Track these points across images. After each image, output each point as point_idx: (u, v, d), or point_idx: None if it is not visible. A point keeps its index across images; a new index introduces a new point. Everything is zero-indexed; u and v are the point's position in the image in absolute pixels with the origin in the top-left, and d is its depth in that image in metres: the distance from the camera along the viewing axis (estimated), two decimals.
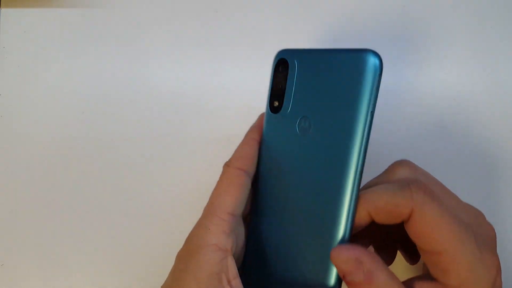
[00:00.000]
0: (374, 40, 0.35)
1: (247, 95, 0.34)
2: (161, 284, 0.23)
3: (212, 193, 0.24)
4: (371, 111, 0.21)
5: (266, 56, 0.35)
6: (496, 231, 0.23)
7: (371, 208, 0.21)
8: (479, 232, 0.21)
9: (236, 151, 0.25)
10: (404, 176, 0.23)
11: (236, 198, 0.23)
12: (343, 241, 0.21)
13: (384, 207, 0.21)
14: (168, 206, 0.33)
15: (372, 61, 0.20)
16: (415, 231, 0.21)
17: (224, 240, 0.22)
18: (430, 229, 0.20)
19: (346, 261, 0.21)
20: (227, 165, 0.24)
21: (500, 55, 0.35)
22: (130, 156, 0.34)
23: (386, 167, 0.25)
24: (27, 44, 0.35)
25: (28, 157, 0.34)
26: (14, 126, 0.34)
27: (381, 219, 0.22)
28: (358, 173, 0.21)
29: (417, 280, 0.22)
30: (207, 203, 0.24)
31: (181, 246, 0.24)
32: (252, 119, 0.34)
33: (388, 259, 0.27)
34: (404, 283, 0.21)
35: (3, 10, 0.36)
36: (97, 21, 0.36)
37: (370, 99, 0.21)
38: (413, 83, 0.35)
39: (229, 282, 0.21)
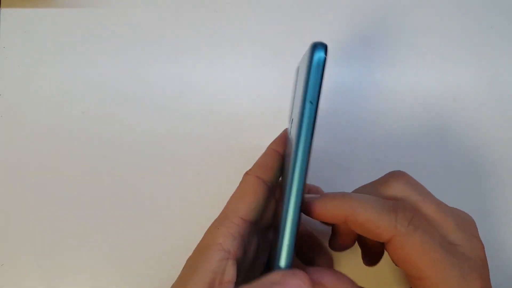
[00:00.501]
0: (374, 40, 0.35)
1: (248, 95, 0.34)
2: (165, 285, 0.23)
3: (229, 199, 0.24)
4: (310, 101, 0.20)
5: (267, 56, 0.35)
6: (494, 231, 0.23)
7: (350, 217, 0.21)
8: (468, 254, 0.21)
9: (258, 160, 0.25)
10: (396, 193, 0.22)
11: (249, 204, 0.23)
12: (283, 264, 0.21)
13: (365, 223, 0.21)
14: (169, 206, 0.33)
15: (312, 51, 0.20)
16: (394, 255, 0.21)
17: (229, 242, 0.22)
18: (411, 257, 0.20)
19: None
20: (246, 173, 0.25)
21: (500, 55, 0.35)
22: (130, 156, 0.34)
23: (384, 168, 0.25)
24: (27, 44, 0.35)
25: (28, 157, 0.34)
26: (14, 126, 0.34)
27: (357, 230, 0.21)
28: (297, 181, 0.20)
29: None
30: (223, 209, 0.24)
31: (181, 246, 0.24)
32: (253, 121, 0.34)
33: (372, 259, 0.27)
34: None
35: (3, 10, 0.36)
36: (97, 21, 0.36)
37: (306, 88, 0.20)
38: (413, 83, 0.35)
39: (220, 283, 0.21)
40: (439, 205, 0.22)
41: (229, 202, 0.24)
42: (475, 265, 0.21)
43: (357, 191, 0.24)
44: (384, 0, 0.36)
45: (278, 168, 0.25)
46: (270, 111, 0.34)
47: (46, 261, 0.32)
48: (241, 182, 0.25)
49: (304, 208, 0.22)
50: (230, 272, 0.22)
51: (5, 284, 0.32)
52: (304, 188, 0.20)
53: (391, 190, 0.23)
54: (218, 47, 0.35)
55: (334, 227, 0.25)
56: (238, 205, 0.24)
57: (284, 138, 0.26)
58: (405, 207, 0.21)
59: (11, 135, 0.34)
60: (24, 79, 0.35)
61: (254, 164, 0.25)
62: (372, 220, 0.20)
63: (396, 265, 0.22)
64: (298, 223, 0.21)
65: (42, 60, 0.35)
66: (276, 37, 0.35)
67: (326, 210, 0.22)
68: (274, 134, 0.33)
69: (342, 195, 0.22)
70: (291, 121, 0.23)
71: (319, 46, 0.19)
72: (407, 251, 0.20)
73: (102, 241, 0.32)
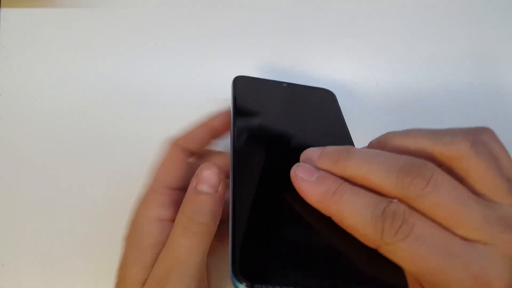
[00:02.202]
0: (374, 40, 0.35)
1: None
2: None
3: (156, 171, 0.26)
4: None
5: (268, 56, 0.35)
6: None
7: (336, 219, 0.20)
8: (488, 252, 0.18)
9: (188, 131, 0.27)
10: (391, 189, 0.19)
11: (174, 173, 0.25)
12: None
13: (349, 229, 0.19)
14: None
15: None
16: (387, 256, 0.19)
17: (163, 212, 0.24)
18: (402, 265, 0.18)
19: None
20: (170, 142, 0.26)
21: (500, 55, 0.35)
22: (131, 156, 0.34)
23: None
24: (27, 44, 0.35)
25: (28, 157, 0.34)
26: (14, 126, 0.34)
27: (345, 229, 0.20)
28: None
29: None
30: (151, 182, 0.25)
31: None
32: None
33: None
34: None
35: (3, 10, 0.36)
36: (97, 21, 0.36)
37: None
38: (412, 83, 0.35)
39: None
40: (463, 203, 0.19)
41: (155, 174, 0.25)
42: (497, 263, 0.18)
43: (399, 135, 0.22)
44: (384, 1, 0.36)
45: (206, 140, 0.27)
46: None
47: (46, 261, 0.32)
48: (166, 152, 0.26)
49: (293, 183, 0.21)
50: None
51: (5, 284, 0.32)
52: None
53: (399, 191, 0.19)
54: (218, 47, 0.35)
55: None
56: (163, 176, 0.25)
57: (224, 116, 0.27)
58: (395, 213, 0.18)
59: (11, 135, 0.34)
60: (24, 79, 0.35)
61: (185, 135, 0.26)
62: (358, 228, 0.19)
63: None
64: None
65: (42, 60, 0.35)
66: (276, 37, 0.35)
67: (311, 199, 0.20)
68: None
69: (333, 192, 0.20)
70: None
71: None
72: (397, 261, 0.18)
73: (103, 241, 0.32)
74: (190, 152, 0.26)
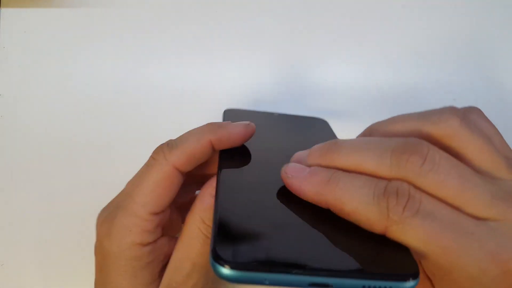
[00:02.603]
0: (374, 40, 0.35)
1: (249, 95, 0.34)
2: None
3: (135, 185, 0.22)
4: None
5: (268, 57, 0.35)
6: None
7: (335, 207, 0.18)
8: (502, 229, 0.17)
9: (182, 144, 0.22)
10: (394, 167, 0.18)
11: (163, 200, 0.21)
12: None
13: (351, 215, 0.18)
14: None
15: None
16: (396, 239, 0.17)
17: (147, 238, 0.21)
18: (414, 247, 0.17)
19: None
20: (163, 157, 0.22)
21: (500, 55, 0.35)
22: (131, 156, 0.34)
23: None
24: (27, 44, 0.35)
25: (28, 157, 0.34)
26: (14, 126, 0.34)
27: (346, 218, 0.18)
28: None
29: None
30: (126, 194, 0.22)
31: None
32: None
33: None
34: None
35: (3, 10, 0.36)
36: (97, 21, 0.36)
37: None
38: (413, 83, 0.35)
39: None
40: (467, 180, 0.17)
41: (136, 192, 0.21)
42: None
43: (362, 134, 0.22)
44: (384, 0, 0.36)
45: (204, 158, 0.22)
46: (270, 111, 0.34)
47: (46, 261, 0.32)
48: (152, 167, 0.22)
49: (285, 183, 0.20)
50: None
51: (5, 284, 0.32)
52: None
53: (396, 171, 0.18)
54: (218, 47, 0.35)
55: None
56: (149, 200, 0.21)
57: (227, 133, 0.23)
58: (399, 190, 0.17)
59: (11, 135, 0.34)
60: (24, 79, 0.35)
61: (177, 148, 0.22)
62: (360, 211, 0.17)
63: None
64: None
65: (42, 60, 0.35)
66: (276, 37, 0.35)
67: (306, 193, 0.19)
68: None
69: (327, 180, 0.18)
70: None
71: None
72: (408, 242, 0.17)
73: None
74: (183, 172, 0.22)
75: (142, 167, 0.23)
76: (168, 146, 0.22)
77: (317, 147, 0.20)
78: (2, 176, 0.33)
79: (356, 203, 0.17)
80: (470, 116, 0.20)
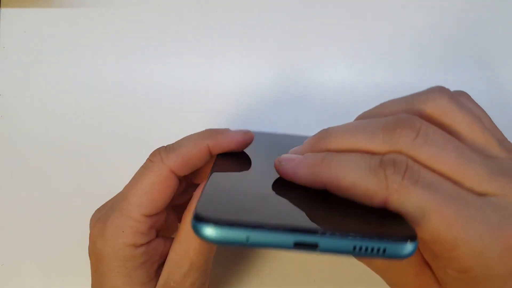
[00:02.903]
0: (374, 40, 0.35)
1: (249, 95, 0.34)
2: None
3: (131, 187, 0.22)
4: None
5: (269, 56, 0.35)
6: None
7: (331, 184, 0.17)
8: (503, 203, 0.16)
9: (179, 148, 0.22)
10: (391, 140, 0.17)
11: (157, 202, 0.21)
12: None
13: (350, 189, 0.17)
14: None
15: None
16: (396, 210, 0.16)
17: (140, 240, 0.21)
18: (415, 218, 0.16)
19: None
20: (160, 160, 0.22)
21: (500, 55, 0.35)
22: (131, 156, 0.34)
23: None
24: (27, 44, 0.35)
25: (28, 157, 0.34)
26: (14, 126, 0.34)
27: (343, 195, 0.17)
28: None
29: (421, 242, 0.18)
30: (121, 195, 0.22)
31: None
32: (253, 121, 0.34)
33: None
34: None
35: (3, 10, 0.36)
36: (97, 21, 0.36)
37: None
38: (413, 83, 0.35)
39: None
40: (462, 154, 0.17)
41: (132, 193, 0.21)
42: None
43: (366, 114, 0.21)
44: (386, 2, 0.36)
45: (200, 164, 0.22)
46: (270, 111, 0.34)
47: (46, 261, 0.32)
48: (149, 169, 0.22)
49: (279, 173, 0.19)
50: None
51: (5, 284, 0.32)
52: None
53: (391, 145, 0.17)
54: (219, 47, 0.35)
55: None
56: (143, 202, 0.21)
57: (225, 139, 0.22)
58: (396, 160, 0.17)
59: (11, 135, 0.34)
60: (24, 79, 0.35)
61: (174, 151, 0.22)
62: (358, 183, 0.16)
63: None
64: None
65: (42, 60, 0.35)
66: (276, 37, 0.35)
67: (300, 175, 0.18)
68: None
69: (322, 158, 0.18)
70: None
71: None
72: (410, 211, 0.16)
73: None
74: (181, 177, 0.22)
75: (139, 169, 0.23)
76: (165, 149, 0.22)
77: (310, 138, 0.20)
78: (2, 176, 0.33)
79: (352, 176, 0.17)
80: (458, 97, 0.19)
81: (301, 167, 0.18)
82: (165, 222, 0.24)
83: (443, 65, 0.35)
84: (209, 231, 0.15)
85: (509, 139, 0.22)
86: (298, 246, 0.14)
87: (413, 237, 0.15)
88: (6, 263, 0.32)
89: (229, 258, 0.31)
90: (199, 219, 0.15)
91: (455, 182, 0.17)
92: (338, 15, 0.35)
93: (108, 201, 0.24)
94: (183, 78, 0.35)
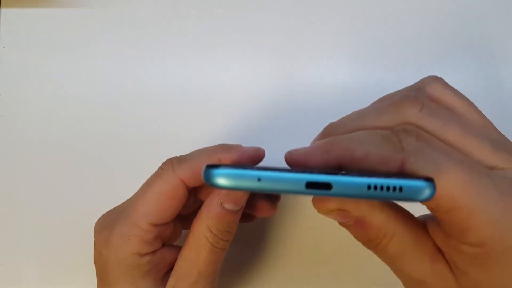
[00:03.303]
0: (374, 39, 0.35)
1: (248, 95, 0.34)
2: None
3: (140, 194, 0.22)
4: None
5: (268, 56, 0.35)
6: None
7: (345, 157, 0.17)
8: (510, 176, 0.16)
9: (191, 159, 0.22)
10: (406, 120, 0.17)
11: (166, 212, 0.21)
12: None
13: (364, 158, 0.16)
14: None
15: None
16: (414, 173, 0.16)
17: (145, 249, 0.21)
18: (436, 174, 0.15)
19: (329, 212, 0.17)
20: (171, 168, 0.22)
21: (500, 55, 0.35)
22: (131, 156, 0.34)
23: None
24: (27, 44, 0.35)
25: (28, 157, 0.34)
26: (14, 126, 0.34)
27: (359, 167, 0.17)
28: None
29: (432, 225, 0.18)
30: (130, 202, 0.22)
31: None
32: (253, 121, 0.34)
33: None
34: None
35: (3, 10, 0.36)
36: (97, 21, 0.36)
37: None
38: (413, 82, 0.34)
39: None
40: (467, 128, 0.17)
41: (139, 201, 0.21)
42: None
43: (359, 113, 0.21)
44: (385, 1, 0.36)
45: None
46: (270, 111, 0.34)
47: (46, 261, 0.32)
48: (158, 178, 0.22)
49: (290, 163, 0.19)
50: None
51: (5, 284, 0.32)
52: None
53: (398, 118, 0.18)
54: (218, 46, 0.35)
55: None
56: (152, 211, 0.21)
57: (237, 153, 0.22)
58: (406, 128, 0.17)
59: (11, 135, 0.34)
60: (24, 79, 0.35)
61: (186, 162, 0.22)
62: (372, 152, 0.16)
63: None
64: None
65: (42, 60, 0.35)
66: (275, 37, 0.35)
67: (314, 157, 0.18)
68: (274, 134, 0.33)
69: (332, 139, 0.18)
70: None
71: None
72: (426, 174, 0.15)
73: None
74: (191, 188, 0.22)
75: (150, 177, 0.23)
76: (177, 159, 0.22)
77: (317, 136, 0.20)
78: (2, 176, 0.33)
79: (366, 146, 0.16)
80: (431, 94, 0.19)
81: (313, 150, 0.18)
82: (172, 233, 0.24)
83: (443, 63, 0.35)
84: (221, 173, 0.14)
85: (509, 138, 0.22)
86: (311, 186, 0.14)
87: (430, 179, 0.14)
88: (6, 263, 0.32)
89: (229, 259, 0.31)
90: (212, 166, 0.14)
91: (463, 154, 0.17)
92: (338, 14, 0.35)
93: (115, 207, 0.24)
94: (184, 77, 0.35)
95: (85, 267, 0.32)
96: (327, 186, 0.14)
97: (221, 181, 0.14)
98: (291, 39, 0.35)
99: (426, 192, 0.13)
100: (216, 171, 0.14)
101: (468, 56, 0.35)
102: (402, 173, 0.15)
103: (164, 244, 0.23)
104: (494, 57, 0.35)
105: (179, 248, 0.23)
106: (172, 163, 0.22)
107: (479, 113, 0.19)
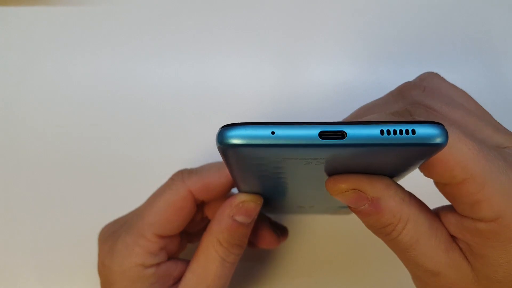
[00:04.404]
0: (375, 38, 0.35)
1: (248, 95, 0.34)
2: None
3: (148, 204, 0.22)
4: None
5: (268, 55, 0.35)
6: None
7: None
8: None
9: (202, 171, 0.22)
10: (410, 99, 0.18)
11: (172, 223, 0.21)
12: None
13: None
14: None
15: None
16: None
17: (150, 260, 0.21)
18: (445, 157, 0.15)
19: (343, 192, 0.17)
20: (181, 179, 0.21)
21: (504, 54, 0.35)
22: (130, 156, 0.33)
23: None
24: (26, 43, 0.35)
25: (28, 157, 0.33)
26: (13, 126, 0.34)
27: None
28: None
29: (444, 212, 0.17)
30: (137, 211, 0.22)
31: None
32: (253, 119, 0.34)
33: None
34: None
35: (1, 8, 0.36)
36: (97, 20, 0.36)
37: None
38: None
39: None
40: (469, 111, 0.17)
41: (147, 211, 0.21)
42: None
43: (364, 108, 0.21)
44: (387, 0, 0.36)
45: (224, 191, 0.21)
46: (270, 110, 0.34)
47: (46, 261, 0.32)
48: (168, 188, 0.21)
49: None
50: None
51: (4, 284, 0.32)
52: None
53: (404, 102, 0.18)
54: (218, 46, 0.35)
55: None
56: (159, 222, 0.21)
57: None
58: (413, 105, 0.17)
59: (11, 135, 0.34)
60: (23, 79, 0.35)
61: (196, 174, 0.21)
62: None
63: (427, 175, 0.17)
64: None
65: (41, 60, 0.35)
66: (277, 36, 0.35)
67: None
68: None
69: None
70: None
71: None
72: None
73: None
74: (200, 202, 0.22)
75: (160, 187, 0.23)
76: (188, 171, 0.22)
77: None
78: (1, 175, 0.33)
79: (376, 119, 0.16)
80: (430, 91, 0.19)
81: None
82: (178, 247, 0.23)
83: (445, 62, 0.35)
84: (235, 132, 0.14)
85: None
86: (325, 136, 0.13)
87: (442, 124, 0.14)
88: (3, 263, 0.32)
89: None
90: (225, 126, 0.14)
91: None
92: (338, 13, 0.35)
93: (121, 217, 0.24)
94: (184, 77, 0.35)
95: (85, 268, 0.32)
96: (341, 134, 0.13)
97: (234, 136, 0.14)
98: (291, 39, 0.35)
99: (439, 136, 0.13)
100: (230, 130, 0.14)
101: (469, 53, 0.35)
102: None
103: (170, 258, 0.23)
104: (496, 53, 0.35)
105: (185, 262, 0.22)
106: (183, 174, 0.22)
107: (476, 103, 0.19)
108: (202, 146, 0.33)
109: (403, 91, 0.18)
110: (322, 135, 0.13)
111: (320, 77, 0.34)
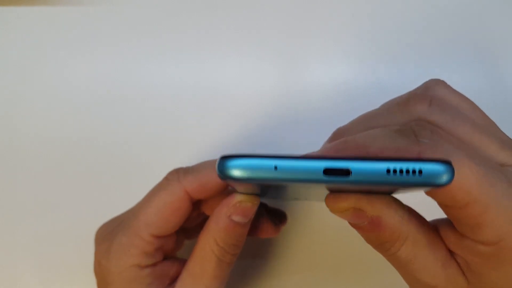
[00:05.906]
0: (375, 38, 0.35)
1: (248, 95, 0.34)
2: None
3: (143, 204, 0.21)
4: None
5: (267, 55, 0.35)
6: None
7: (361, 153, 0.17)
8: None
9: (198, 170, 0.21)
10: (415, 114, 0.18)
11: (169, 223, 0.21)
12: None
13: (379, 154, 0.16)
14: None
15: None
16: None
17: (145, 261, 0.21)
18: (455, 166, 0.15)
19: (343, 211, 0.17)
20: (176, 179, 0.21)
21: (504, 55, 0.35)
22: (130, 156, 0.33)
23: None
24: (26, 44, 0.35)
25: (28, 157, 0.33)
26: (13, 126, 0.34)
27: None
28: None
29: (444, 227, 0.17)
30: (133, 211, 0.22)
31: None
32: (253, 120, 0.34)
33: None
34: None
35: (1, 9, 0.36)
36: (97, 20, 0.35)
37: None
38: (415, 83, 0.34)
39: None
40: (475, 125, 0.17)
41: (142, 210, 0.21)
42: None
43: (368, 116, 0.20)
44: (384, 1, 0.35)
45: (220, 190, 0.21)
46: (270, 111, 0.34)
47: (45, 261, 0.32)
48: (163, 188, 0.21)
49: None
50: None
51: (4, 284, 0.32)
52: None
53: (409, 115, 0.18)
54: (217, 46, 0.35)
55: None
56: (155, 222, 0.20)
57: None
58: (418, 123, 0.17)
59: (11, 135, 0.34)
60: (23, 79, 0.35)
61: (191, 174, 0.21)
62: (388, 146, 0.16)
63: (429, 195, 0.16)
64: None
65: (41, 60, 0.35)
66: (276, 35, 0.35)
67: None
68: (273, 134, 0.33)
69: (345, 139, 0.17)
70: None
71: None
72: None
73: None
74: (196, 200, 0.22)
75: (155, 186, 0.22)
76: (184, 170, 0.22)
77: (325, 142, 0.20)
78: (1, 176, 0.33)
79: (381, 141, 0.16)
80: (437, 100, 0.19)
81: (324, 151, 0.17)
82: (174, 246, 0.23)
83: (445, 62, 0.35)
84: (236, 164, 0.13)
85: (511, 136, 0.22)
86: (329, 173, 0.13)
87: (449, 162, 0.13)
88: (3, 263, 0.32)
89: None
90: (225, 157, 0.14)
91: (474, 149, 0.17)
92: (338, 13, 0.35)
93: (117, 216, 0.24)
94: (183, 77, 0.35)
95: (85, 268, 0.32)
96: (346, 171, 0.13)
97: (236, 169, 0.13)
98: (291, 39, 0.35)
99: (446, 176, 0.13)
100: (231, 161, 0.14)
101: (470, 55, 0.35)
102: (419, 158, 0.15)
103: (166, 257, 0.22)
104: (496, 55, 0.35)
105: (181, 261, 0.22)
106: (178, 173, 0.21)
107: (483, 113, 0.19)
108: (202, 146, 0.33)
109: (408, 103, 0.18)
110: (326, 172, 0.13)
111: (320, 77, 0.34)
